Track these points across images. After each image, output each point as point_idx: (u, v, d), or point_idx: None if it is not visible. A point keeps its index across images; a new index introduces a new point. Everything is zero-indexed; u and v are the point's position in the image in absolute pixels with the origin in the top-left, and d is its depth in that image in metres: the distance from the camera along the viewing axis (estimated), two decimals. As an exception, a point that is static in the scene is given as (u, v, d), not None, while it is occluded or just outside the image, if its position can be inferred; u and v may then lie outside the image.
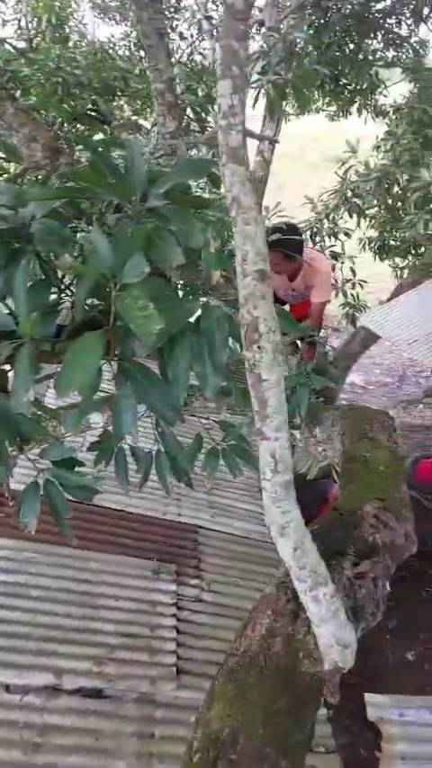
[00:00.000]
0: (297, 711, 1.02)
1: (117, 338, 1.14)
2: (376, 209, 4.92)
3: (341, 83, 6.28)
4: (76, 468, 1.43)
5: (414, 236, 4.30)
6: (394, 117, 4.89)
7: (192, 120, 3.13)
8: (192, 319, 1.16)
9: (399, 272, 7.41)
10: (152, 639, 2.93)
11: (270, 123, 3.33)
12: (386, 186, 4.63)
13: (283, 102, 2.77)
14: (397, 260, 7.18)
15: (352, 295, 4.62)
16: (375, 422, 2.01)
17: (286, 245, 2.83)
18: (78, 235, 1.10)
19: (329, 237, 3.97)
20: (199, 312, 1.13)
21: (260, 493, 4.19)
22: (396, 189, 4.76)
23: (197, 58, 4.89)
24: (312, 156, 18.49)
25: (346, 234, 4.57)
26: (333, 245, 4.03)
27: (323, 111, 7.59)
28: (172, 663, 2.81)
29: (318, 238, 3.99)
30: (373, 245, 6.79)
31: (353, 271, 4.60)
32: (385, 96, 6.03)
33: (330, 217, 4.11)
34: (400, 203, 4.93)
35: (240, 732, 0.95)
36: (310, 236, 3.99)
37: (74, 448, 1.37)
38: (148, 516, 3.69)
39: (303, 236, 3.18)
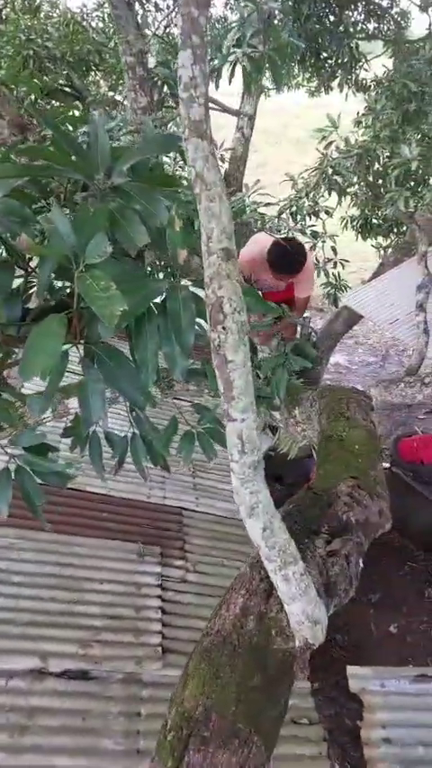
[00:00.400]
0: (270, 688, 1.03)
1: (83, 321, 1.12)
2: (357, 186, 4.87)
3: (321, 56, 6.17)
4: (50, 455, 1.42)
5: (395, 213, 4.27)
6: (374, 92, 4.82)
7: (167, 94, 3.05)
8: (159, 300, 1.14)
9: (381, 251, 7.40)
10: (137, 621, 2.96)
11: (249, 98, 3.25)
12: (367, 163, 4.58)
13: (262, 77, 2.70)
14: (380, 239, 7.16)
15: (333, 275, 4.60)
16: (352, 401, 2.01)
17: (291, 262, 2.82)
18: (40, 216, 1.07)
19: (310, 216, 3.91)
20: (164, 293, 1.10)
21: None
22: (377, 166, 4.71)
23: (174, 31, 4.74)
24: (295, 132, 18.25)
25: (327, 212, 4.52)
26: (313, 225, 3.98)
27: (303, 86, 7.47)
28: (157, 643, 2.84)
29: (298, 217, 3.94)
30: (355, 223, 6.76)
31: (334, 250, 4.57)
32: (366, 71, 5.93)
33: (311, 195, 4.05)
34: (380, 180, 4.88)
35: (213, 710, 0.96)
36: (291, 215, 3.94)
37: (45, 434, 1.35)
38: (132, 499, 3.70)
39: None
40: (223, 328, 0.87)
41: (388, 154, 4.42)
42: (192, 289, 1.12)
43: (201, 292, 1.03)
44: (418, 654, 4.31)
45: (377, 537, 1.50)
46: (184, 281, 1.12)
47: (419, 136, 4.49)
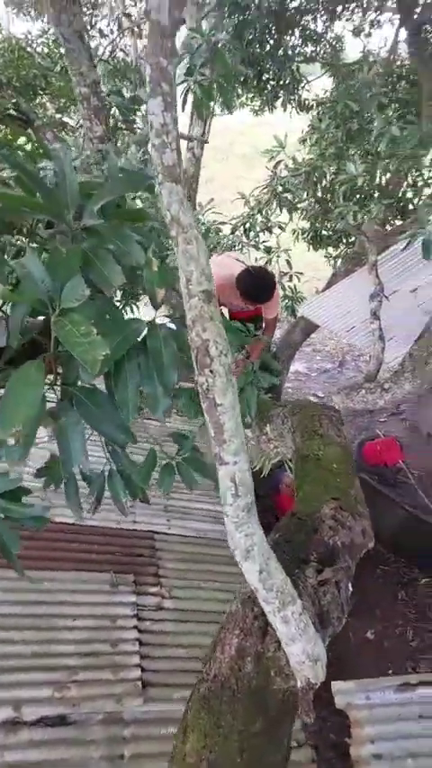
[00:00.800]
0: (272, 731, 1.00)
1: (60, 362, 1.08)
2: (307, 202, 4.99)
3: (264, 78, 6.33)
4: (24, 499, 1.35)
5: (345, 227, 4.41)
6: (317, 112, 4.98)
7: (119, 120, 3.03)
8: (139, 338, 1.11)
9: (332, 261, 7.61)
10: (115, 655, 2.85)
11: (199, 122, 3.28)
12: (315, 180, 4.70)
13: (213, 103, 2.74)
14: (330, 249, 7.36)
15: (289, 287, 4.68)
16: (324, 418, 2.03)
17: (263, 290, 2.95)
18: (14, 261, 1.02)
19: (263, 232, 3.98)
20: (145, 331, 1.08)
21: (216, 491, 4.18)
22: (324, 182, 4.85)
23: (119, 54, 4.74)
24: (242, 149, 18.61)
25: (280, 227, 4.62)
26: (266, 241, 4.05)
27: (247, 105, 7.63)
28: (137, 677, 2.75)
29: (252, 234, 4.00)
30: (306, 235, 6.93)
31: (288, 263, 4.66)
32: (308, 91, 6.12)
33: (263, 212, 4.12)
34: (329, 195, 5.03)
35: (217, 764, 0.93)
36: (244, 232, 3.99)
37: (21, 478, 1.29)
38: (101, 527, 3.59)
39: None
40: (211, 372, 0.86)
41: (334, 170, 4.56)
42: (170, 325, 1.10)
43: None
44: (396, 658, 4.38)
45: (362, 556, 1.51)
46: (160, 316, 1.10)
47: (363, 152, 4.66)
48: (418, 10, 5.25)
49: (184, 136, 3.17)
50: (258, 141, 18.31)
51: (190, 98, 2.49)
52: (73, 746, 2.38)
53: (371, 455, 5.68)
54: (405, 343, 5.32)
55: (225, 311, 4.03)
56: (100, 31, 4.34)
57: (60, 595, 3.04)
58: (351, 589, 1.32)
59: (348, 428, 4.37)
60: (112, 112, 3.02)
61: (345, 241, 6.82)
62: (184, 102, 2.73)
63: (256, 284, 2.80)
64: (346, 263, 6.79)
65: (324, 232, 6.66)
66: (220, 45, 2.36)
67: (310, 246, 7.18)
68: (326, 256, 7.37)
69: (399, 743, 2.44)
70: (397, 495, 5.31)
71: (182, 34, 2.43)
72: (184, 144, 4.91)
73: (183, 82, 2.61)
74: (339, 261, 7.21)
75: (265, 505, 5.14)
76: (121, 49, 4.48)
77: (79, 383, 1.08)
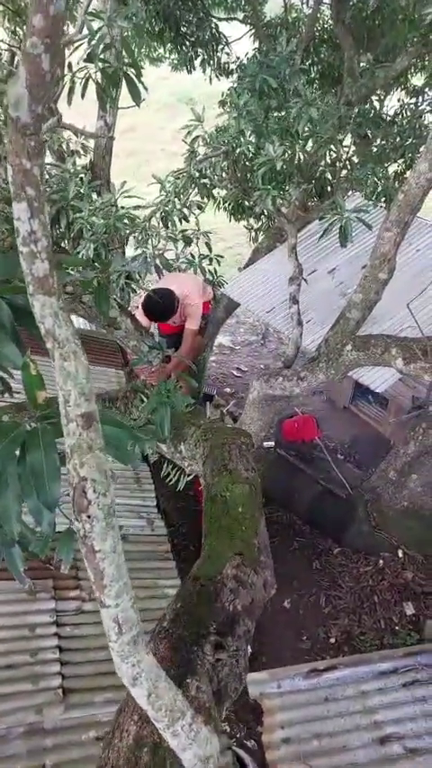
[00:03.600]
0: None
1: None
2: (225, 182, 4.85)
3: (181, 31, 5.95)
4: None
5: (264, 208, 4.35)
6: (236, 85, 4.76)
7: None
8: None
9: (253, 233, 7.53)
10: (34, 665, 2.85)
11: (109, 111, 3.02)
12: (234, 158, 4.56)
13: (118, 92, 2.53)
14: (251, 221, 7.26)
15: (210, 271, 4.59)
16: (234, 447, 2.04)
17: (161, 312, 3.46)
18: None
19: (180, 221, 3.83)
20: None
21: (136, 484, 4.14)
22: (244, 160, 4.72)
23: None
24: (162, 96, 17.66)
25: (200, 207, 4.46)
26: (185, 230, 3.90)
27: (166, 59, 7.20)
28: (57, 685, 2.77)
29: (168, 222, 3.83)
30: (227, 204, 6.79)
31: (208, 246, 4.54)
32: (228, 55, 5.84)
33: (180, 197, 3.94)
34: (248, 175, 4.91)
35: None
36: (162, 220, 3.82)
37: None
38: (17, 530, 3.50)
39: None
40: (88, 517, 0.81)
41: (253, 150, 4.43)
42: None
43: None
44: (310, 625, 4.72)
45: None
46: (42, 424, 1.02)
47: (282, 131, 4.54)
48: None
49: (86, 132, 2.93)
50: (180, 88, 17.43)
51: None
52: (-8, 765, 2.39)
53: (289, 432, 5.89)
54: (322, 325, 5.45)
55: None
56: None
57: (-27, 608, 2.97)
58: (250, 651, 1.36)
59: (267, 411, 4.50)
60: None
61: (265, 214, 6.75)
62: (84, 90, 2.50)
63: (153, 306, 3.20)
64: (268, 239, 6.75)
65: (246, 203, 6.55)
66: (124, 33, 2.15)
67: (232, 217, 7.05)
68: (247, 228, 7.28)
69: (305, 726, 2.65)
70: (313, 470, 5.58)
71: (80, 15, 2.19)
72: (95, 112, 4.56)
73: (82, 69, 2.37)
74: (261, 235, 7.15)
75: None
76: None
77: None
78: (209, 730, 1.04)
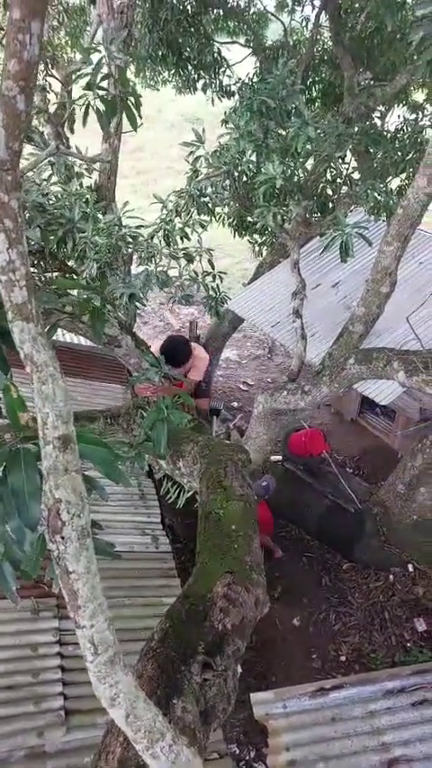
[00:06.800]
0: None
1: None
2: (227, 201, 4.91)
3: (183, 56, 6.09)
4: None
5: (266, 224, 4.39)
6: (237, 106, 4.85)
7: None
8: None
9: (257, 248, 7.59)
10: (36, 686, 2.83)
11: (113, 136, 3.10)
12: (235, 177, 4.63)
13: (119, 118, 2.60)
14: (255, 236, 7.33)
15: (213, 288, 4.62)
16: (230, 464, 2.05)
17: (178, 356, 3.76)
18: None
19: (181, 240, 3.88)
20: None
21: (141, 500, 4.15)
22: (245, 178, 4.79)
23: None
24: (170, 116, 18.01)
25: (202, 225, 4.52)
26: (186, 248, 3.95)
27: (170, 82, 7.35)
28: (59, 706, 2.75)
29: (170, 240, 3.88)
30: (231, 220, 6.86)
31: (211, 263, 4.59)
32: (229, 77, 5.95)
33: (181, 216, 4.01)
34: (249, 194, 4.98)
35: None
36: (164, 238, 3.87)
37: None
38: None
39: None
40: (62, 538, 0.82)
41: (254, 169, 4.49)
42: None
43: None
44: (320, 643, 4.65)
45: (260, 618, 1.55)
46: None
47: (282, 150, 4.61)
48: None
49: (86, 158, 3.01)
50: (187, 109, 17.76)
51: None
52: (-7, 791, 2.37)
53: (296, 446, 5.85)
54: (327, 338, 5.45)
55: None
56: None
57: (-25, 628, 2.97)
58: (240, 670, 1.35)
59: (273, 425, 4.49)
60: None
61: (269, 230, 6.82)
62: (85, 117, 2.57)
63: (172, 348, 3.62)
64: (272, 254, 6.80)
65: (249, 219, 6.62)
66: (122, 65, 2.22)
67: (236, 233, 7.13)
68: (250, 242, 7.34)
69: (312, 748, 2.60)
70: (321, 484, 5.53)
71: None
72: (99, 136, 4.66)
73: (81, 97, 2.44)
74: (265, 250, 7.21)
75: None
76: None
77: None
78: (191, 752, 1.04)
